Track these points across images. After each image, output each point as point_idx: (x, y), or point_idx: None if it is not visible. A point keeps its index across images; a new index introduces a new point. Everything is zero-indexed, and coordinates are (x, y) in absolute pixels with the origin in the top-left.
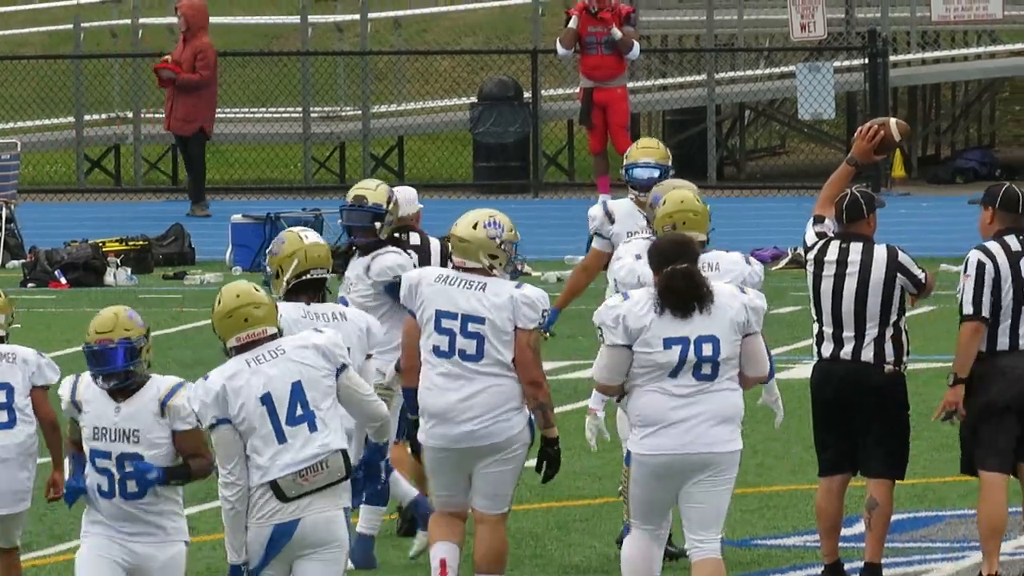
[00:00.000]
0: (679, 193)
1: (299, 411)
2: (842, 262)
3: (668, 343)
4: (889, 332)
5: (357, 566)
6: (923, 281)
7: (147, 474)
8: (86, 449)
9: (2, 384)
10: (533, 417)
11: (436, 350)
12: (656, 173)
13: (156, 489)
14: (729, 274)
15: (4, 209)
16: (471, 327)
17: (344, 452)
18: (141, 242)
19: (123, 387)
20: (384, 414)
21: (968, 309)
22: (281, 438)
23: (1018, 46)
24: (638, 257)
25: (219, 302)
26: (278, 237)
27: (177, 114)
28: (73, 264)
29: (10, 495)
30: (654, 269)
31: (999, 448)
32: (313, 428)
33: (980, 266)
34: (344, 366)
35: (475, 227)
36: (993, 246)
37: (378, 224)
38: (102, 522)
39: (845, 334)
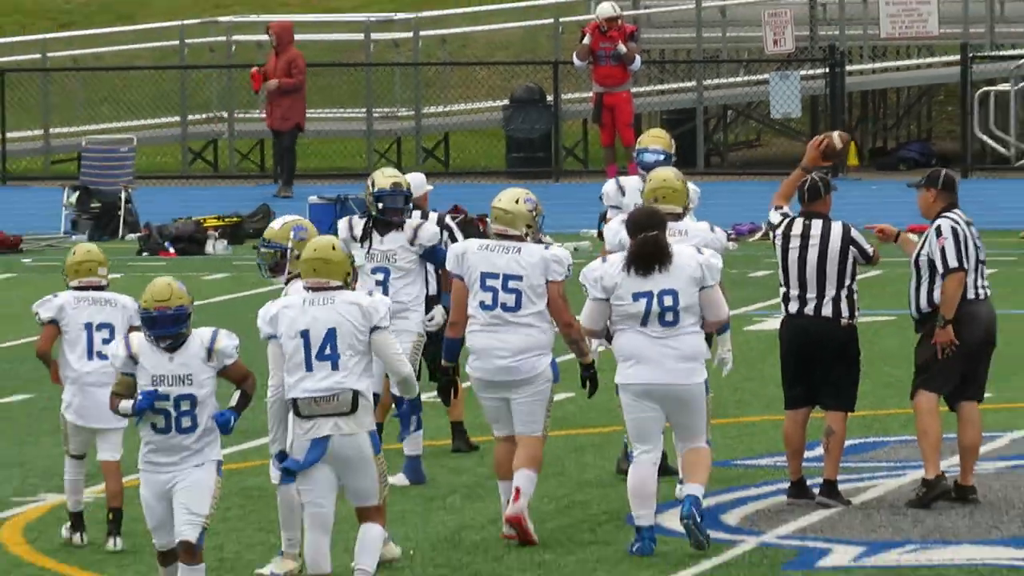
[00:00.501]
0: (662, 172)
1: (327, 351)
2: (805, 235)
3: (636, 296)
4: (844, 293)
5: (411, 482)
6: (871, 254)
7: (226, 423)
8: (141, 394)
9: (106, 324)
10: (573, 354)
11: (482, 304)
12: (661, 157)
13: (204, 423)
14: (695, 238)
15: (123, 192)
16: (511, 284)
17: (356, 392)
18: (235, 219)
19: (174, 344)
20: (406, 372)
21: (953, 263)
22: (308, 367)
23: (951, 58)
24: (623, 223)
25: (305, 250)
26: (299, 227)
27: (276, 114)
28: (179, 237)
29: (111, 413)
30: (630, 235)
31: (949, 377)
32: (335, 368)
33: (954, 230)
34: (378, 327)
35: (517, 202)
36: (955, 215)
37: (409, 205)
38: (151, 460)
39: (808, 295)
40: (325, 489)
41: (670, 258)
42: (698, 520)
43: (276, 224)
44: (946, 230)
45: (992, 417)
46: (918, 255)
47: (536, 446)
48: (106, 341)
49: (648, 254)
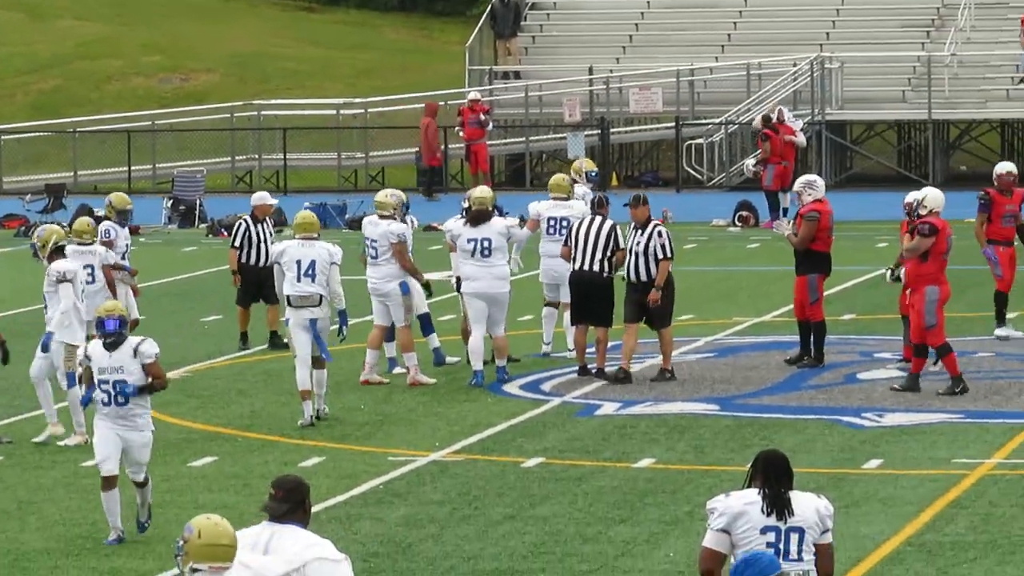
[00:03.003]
0: (558, 177)
1: (309, 271)
2: (590, 225)
3: (470, 240)
4: (606, 259)
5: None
6: (622, 247)
7: (127, 389)
8: (96, 380)
9: (90, 264)
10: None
11: (369, 253)
12: (594, 173)
13: (133, 400)
14: (574, 209)
15: (198, 200)
16: (375, 241)
17: (321, 295)
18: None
19: (114, 343)
20: (337, 292)
21: (668, 254)
22: (298, 280)
23: (669, 124)
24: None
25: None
26: (40, 230)
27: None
28: (228, 226)
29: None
30: (467, 212)
31: (669, 315)
32: (312, 281)
33: (668, 233)
34: (335, 263)
35: (388, 196)
36: (664, 226)
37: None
38: (102, 420)
39: (587, 258)
40: (307, 346)
41: (489, 219)
42: (506, 377)
43: (39, 231)
44: (664, 233)
45: (695, 329)
46: (645, 247)
47: (408, 334)
48: (91, 275)
49: (477, 217)
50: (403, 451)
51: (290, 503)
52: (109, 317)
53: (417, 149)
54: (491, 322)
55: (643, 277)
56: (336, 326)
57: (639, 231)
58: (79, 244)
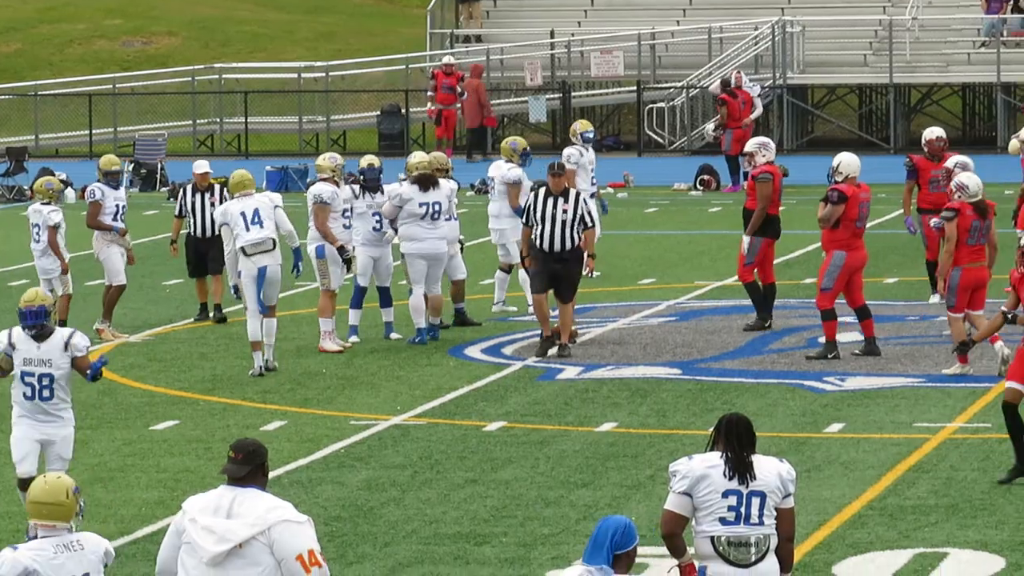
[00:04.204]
0: (507, 140)
1: (256, 219)
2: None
3: (422, 204)
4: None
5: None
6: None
7: (100, 369)
8: (17, 372)
9: (36, 224)
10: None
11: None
12: (590, 134)
13: (59, 394)
14: (503, 172)
15: (159, 164)
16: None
17: (273, 239)
18: (222, 179)
19: (40, 334)
20: (289, 230)
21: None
22: (247, 229)
23: (631, 88)
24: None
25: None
26: None
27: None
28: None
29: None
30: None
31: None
32: (261, 227)
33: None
34: (278, 207)
35: (326, 159)
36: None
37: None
38: (24, 415)
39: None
40: (257, 298)
41: (437, 183)
42: (435, 336)
43: None
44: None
45: (656, 293)
46: (574, 215)
47: (327, 299)
48: (37, 234)
49: (427, 181)
50: (364, 415)
51: (250, 465)
52: (28, 308)
53: (378, 113)
54: (429, 280)
55: (567, 246)
56: (292, 266)
57: (560, 200)
58: (40, 204)
